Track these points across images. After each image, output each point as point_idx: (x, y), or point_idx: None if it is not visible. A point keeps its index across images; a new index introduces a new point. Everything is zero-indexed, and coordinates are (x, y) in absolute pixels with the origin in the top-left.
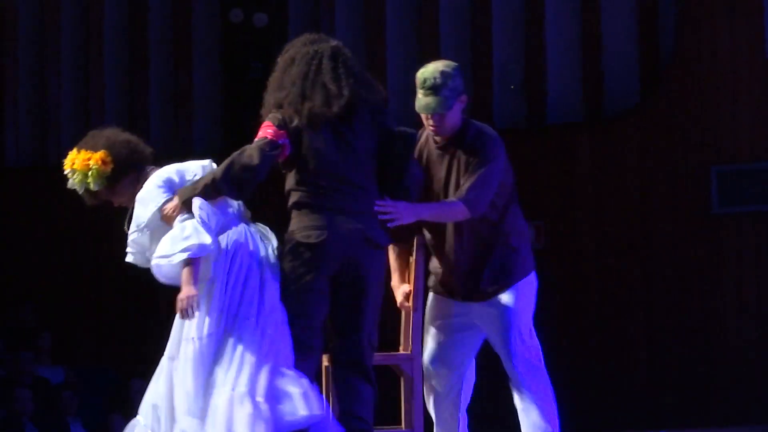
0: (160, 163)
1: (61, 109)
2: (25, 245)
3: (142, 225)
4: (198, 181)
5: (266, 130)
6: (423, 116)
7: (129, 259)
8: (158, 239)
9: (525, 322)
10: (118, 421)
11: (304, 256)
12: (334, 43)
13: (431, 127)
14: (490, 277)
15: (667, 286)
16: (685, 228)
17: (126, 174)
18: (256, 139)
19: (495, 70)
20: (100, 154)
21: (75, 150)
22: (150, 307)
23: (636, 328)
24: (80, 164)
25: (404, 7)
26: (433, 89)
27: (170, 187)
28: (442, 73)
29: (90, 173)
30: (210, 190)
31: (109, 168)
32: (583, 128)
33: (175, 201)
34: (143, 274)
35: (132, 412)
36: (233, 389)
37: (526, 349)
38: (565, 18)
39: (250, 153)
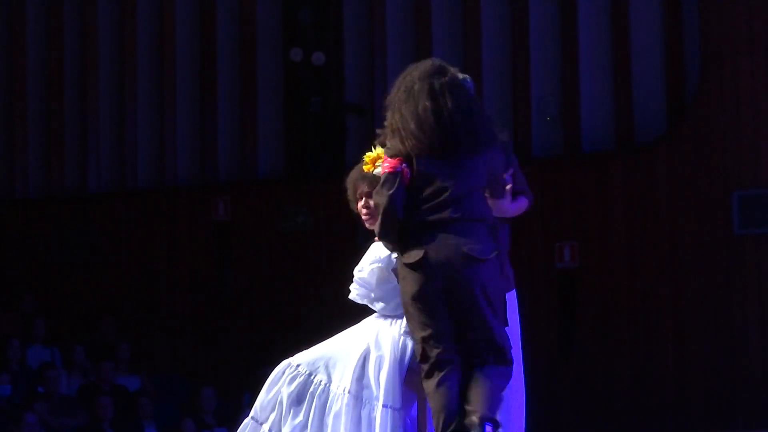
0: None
1: (138, 140)
2: (106, 265)
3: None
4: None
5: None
6: None
7: (352, 295)
8: (385, 280)
9: None
10: (189, 425)
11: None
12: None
13: None
14: None
15: (694, 300)
16: (710, 248)
17: None
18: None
19: (534, 103)
20: None
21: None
22: (218, 322)
23: (665, 339)
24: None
25: (450, 55)
26: None
27: None
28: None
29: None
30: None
31: None
32: (615, 156)
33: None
34: (212, 293)
35: (203, 417)
36: None
37: None
38: (598, 56)
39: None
